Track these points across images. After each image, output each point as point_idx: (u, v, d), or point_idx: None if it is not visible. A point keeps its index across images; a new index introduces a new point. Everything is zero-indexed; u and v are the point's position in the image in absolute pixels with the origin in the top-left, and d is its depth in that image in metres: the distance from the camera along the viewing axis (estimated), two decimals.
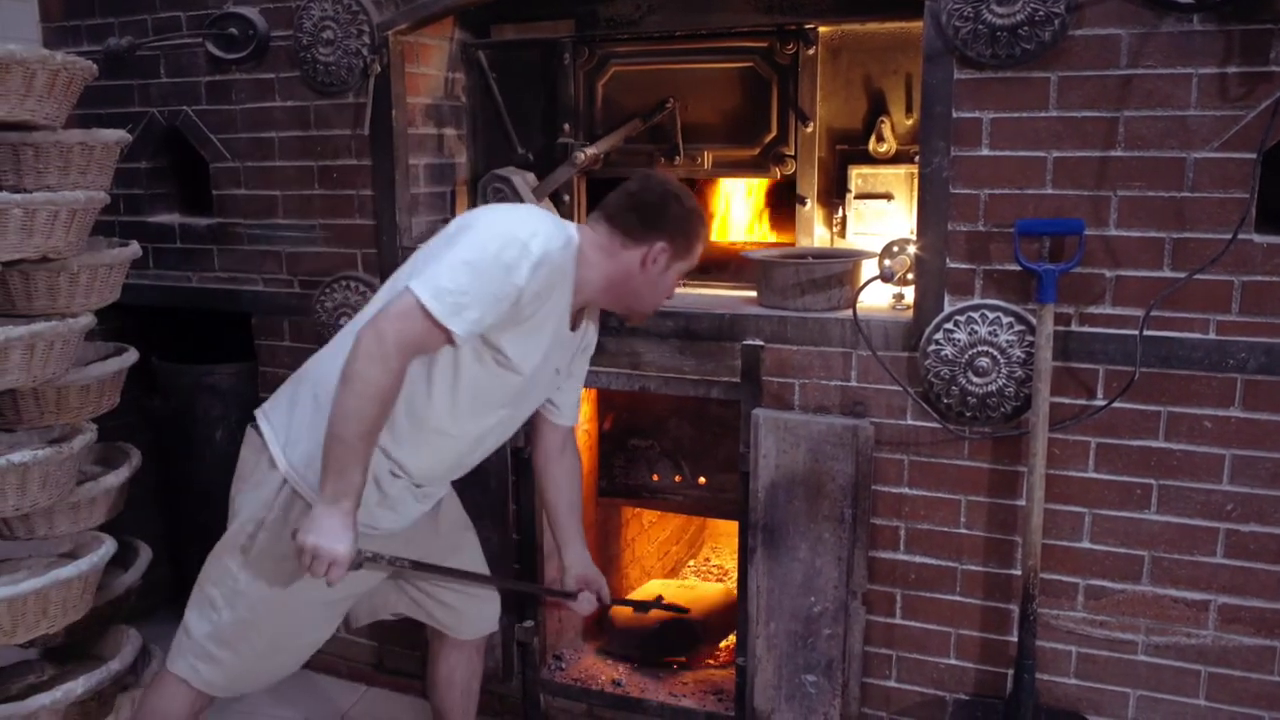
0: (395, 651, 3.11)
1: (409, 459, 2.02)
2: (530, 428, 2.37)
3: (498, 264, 1.83)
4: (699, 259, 2.13)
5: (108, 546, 2.37)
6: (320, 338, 2.95)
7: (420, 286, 1.82)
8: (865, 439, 2.37)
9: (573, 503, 2.37)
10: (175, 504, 3.49)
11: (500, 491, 2.80)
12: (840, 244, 2.75)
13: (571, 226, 2.03)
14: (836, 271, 2.47)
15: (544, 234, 1.90)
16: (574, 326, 2.11)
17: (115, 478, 2.49)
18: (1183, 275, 2.13)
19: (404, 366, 1.84)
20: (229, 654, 2.04)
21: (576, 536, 2.35)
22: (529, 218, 1.96)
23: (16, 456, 2.16)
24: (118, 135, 2.40)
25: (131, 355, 2.58)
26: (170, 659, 2.08)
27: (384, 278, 2.83)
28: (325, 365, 2.00)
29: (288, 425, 2.02)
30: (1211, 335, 2.15)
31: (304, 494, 1.96)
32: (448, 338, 1.85)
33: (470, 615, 2.39)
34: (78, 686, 2.23)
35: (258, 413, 2.09)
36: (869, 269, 2.48)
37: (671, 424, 3.05)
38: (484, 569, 2.41)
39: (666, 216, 2.04)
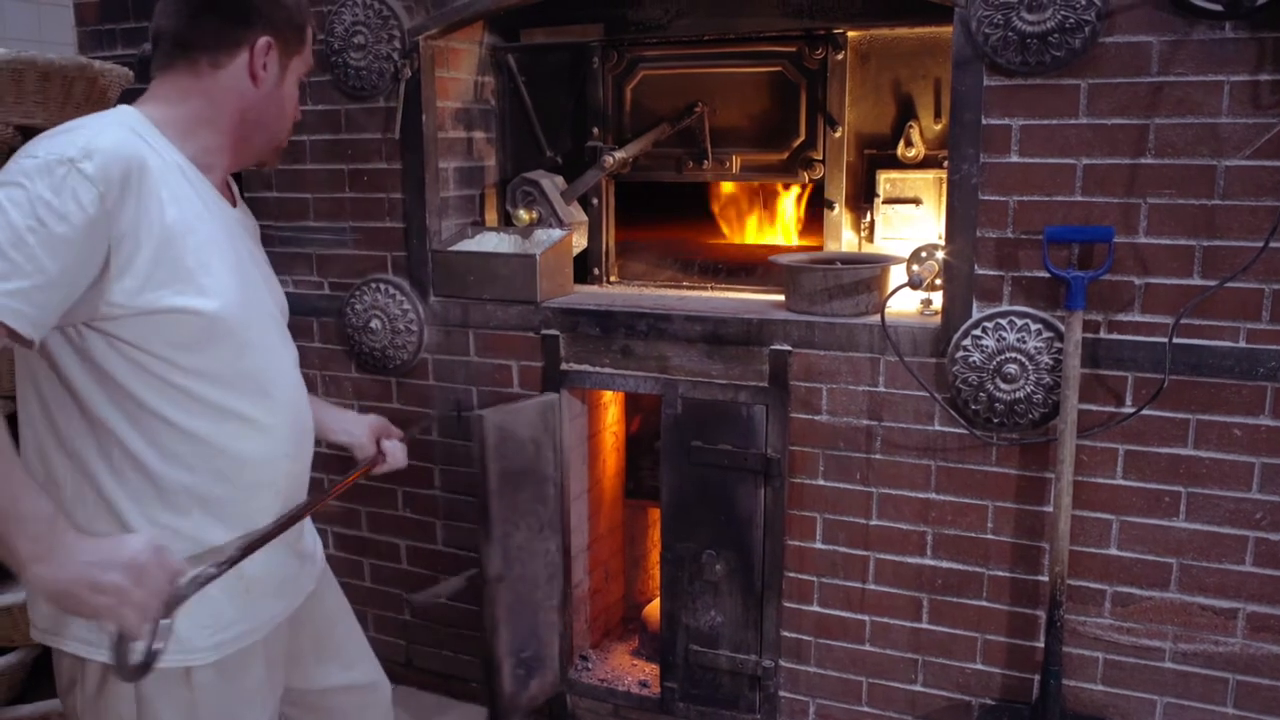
0: (423, 650, 3.14)
1: (263, 501, 1.60)
2: None
3: (33, 185, 1.30)
4: (312, 55, 1.69)
5: None
6: (347, 339, 2.98)
7: None
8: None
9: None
10: None
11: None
12: (868, 249, 2.76)
13: (121, 108, 1.53)
14: (865, 277, 2.48)
15: (89, 131, 1.40)
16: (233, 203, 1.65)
17: None
18: (1213, 283, 2.13)
19: None
20: None
21: (322, 405, 1.96)
22: (70, 129, 1.41)
23: None
24: None
25: None
26: None
27: (413, 280, 2.88)
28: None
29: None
30: (1242, 343, 2.14)
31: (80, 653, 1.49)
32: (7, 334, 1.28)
33: None
34: None
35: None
36: (897, 274, 2.48)
37: None
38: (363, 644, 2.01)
39: (253, 3, 1.54)
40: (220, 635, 1.55)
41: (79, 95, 2.21)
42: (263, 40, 1.54)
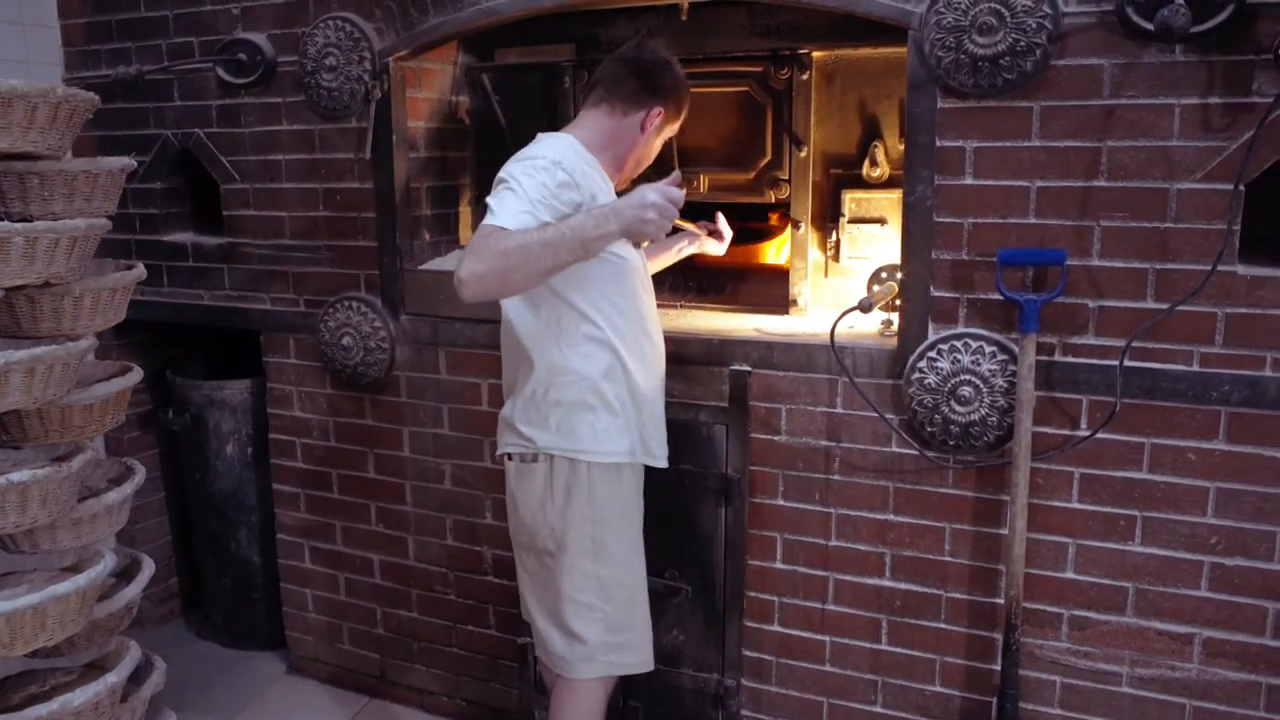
0: (397, 664, 3.16)
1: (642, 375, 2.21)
2: None
3: (536, 175, 2.02)
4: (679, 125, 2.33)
5: (106, 562, 2.42)
6: (323, 355, 3.01)
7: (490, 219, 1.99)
8: None
9: None
10: (189, 515, 3.57)
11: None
12: (834, 268, 2.76)
13: (564, 135, 2.19)
14: None
15: (553, 148, 2.10)
16: None
17: (117, 494, 2.54)
18: (1165, 306, 2.12)
19: None
20: (629, 631, 2.24)
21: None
22: (539, 145, 2.14)
23: (16, 476, 2.22)
24: (121, 163, 2.46)
25: (135, 375, 2.64)
26: (576, 670, 2.22)
27: (384, 298, 2.91)
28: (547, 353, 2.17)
29: (526, 416, 2.19)
30: (1195, 367, 2.13)
31: (568, 454, 2.15)
32: None
33: None
34: (75, 698, 2.29)
35: (500, 444, 2.29)
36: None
37: None
38: None
39: (664, 82, 2.21)
40: (619, 445, 2.18)
41: (43, 119, 2.24)
42: (657, 108, 2.21)
